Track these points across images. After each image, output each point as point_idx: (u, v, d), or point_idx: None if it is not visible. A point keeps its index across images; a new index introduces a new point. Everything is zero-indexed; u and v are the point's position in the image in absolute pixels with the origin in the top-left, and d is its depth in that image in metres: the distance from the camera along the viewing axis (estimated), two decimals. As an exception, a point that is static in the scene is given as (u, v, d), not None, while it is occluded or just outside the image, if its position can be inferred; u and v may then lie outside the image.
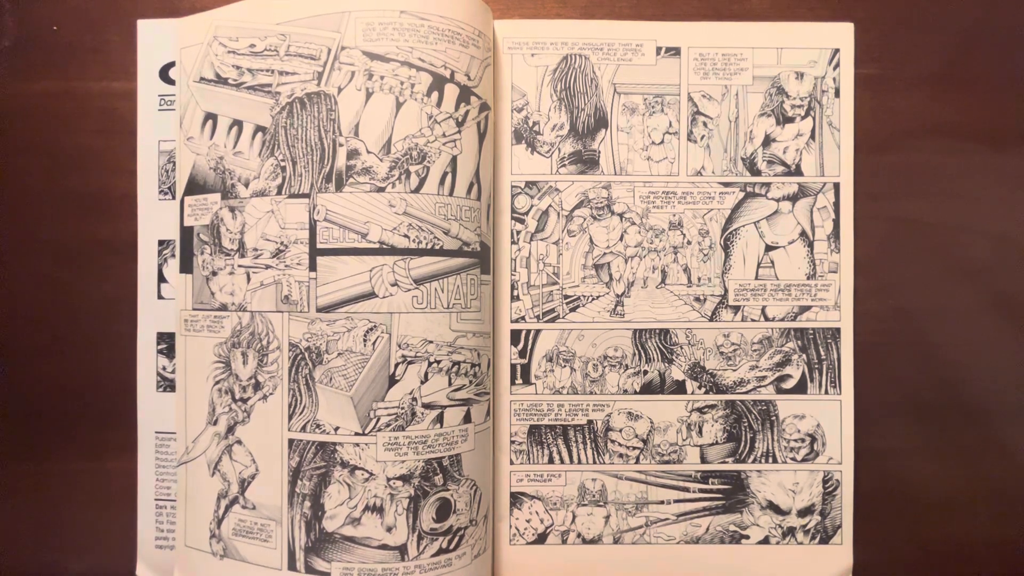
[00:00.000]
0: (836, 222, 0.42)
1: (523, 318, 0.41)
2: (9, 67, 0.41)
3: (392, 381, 0.36)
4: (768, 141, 0.42)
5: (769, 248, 0.42)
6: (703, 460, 0.42)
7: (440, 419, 0.37)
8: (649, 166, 0.42)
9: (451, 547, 0.37)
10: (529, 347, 0.41)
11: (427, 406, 0.37)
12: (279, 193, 0.37)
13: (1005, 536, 0.42)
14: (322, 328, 0.36)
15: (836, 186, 0.42)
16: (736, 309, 0.42)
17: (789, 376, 0.42)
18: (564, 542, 0.41)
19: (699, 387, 0.42)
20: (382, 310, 0.36)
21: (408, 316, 0.37)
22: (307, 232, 0.37)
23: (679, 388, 0.41)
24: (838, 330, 0.42)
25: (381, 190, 0.36)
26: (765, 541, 0.42)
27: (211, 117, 0.39)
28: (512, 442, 0.41)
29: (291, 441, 0.37)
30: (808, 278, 0.42)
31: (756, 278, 0.42)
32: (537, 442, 0.41)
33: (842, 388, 0.42)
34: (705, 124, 0.42)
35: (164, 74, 0.41)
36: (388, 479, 0.36)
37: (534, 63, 0.41)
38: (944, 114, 0.42)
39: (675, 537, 0.42)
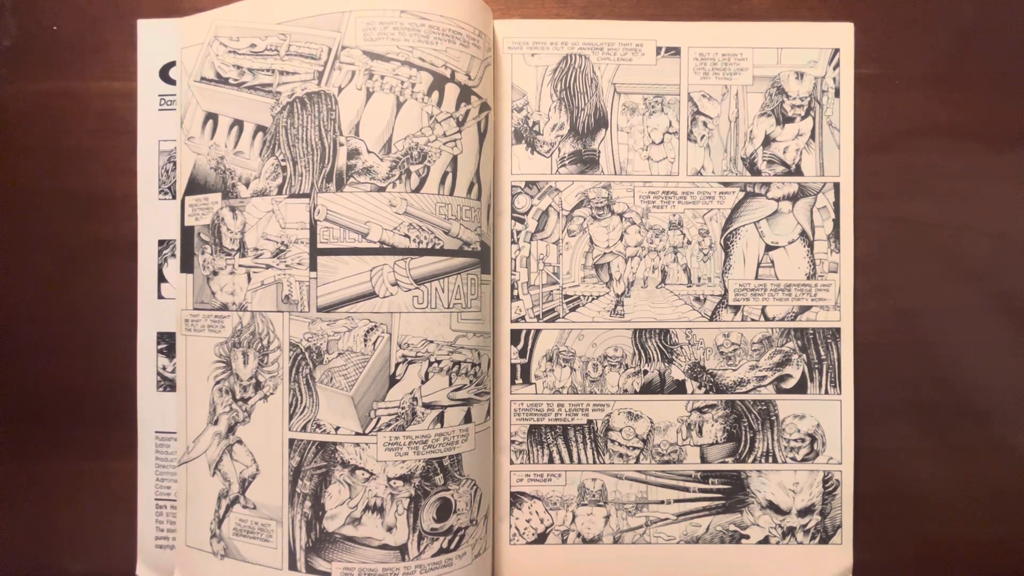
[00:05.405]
0: (836, 222, 0.42)
1: (523, 318, 0.41)
2: (9, 67, 0.41)
3: (392, 381, 0.36)
4: (768, 141, 0.42)
5: (769, 248, 0.42)
6: (703, 460, 0.42)
7: (440, 419, 0.37)
8: (649, 166, 0.42)
9: (451, 547, 0.37)
10: (529, 347, 0.41)
11: (427, 406, 0.37)
12: (280, 193, 0.37)
13: (1005, 536, 0.42)
14: (323, 328, 0.36)
15: (836, 186, 0.42)
16: (736, 309, 0.42)
17: (789, 376, 0.42)
18: (564, 542, 0.41)
19: (699, 387, 0.42)
20: (382, 310, 0.36)
21: (408, 316, 0.37)
22: (308, 232, 0.37)
23: (679, 388, 0.41)
24: (838, 330, 0.42)
25: (382, 190, 0.36)
26: (765, 541, 0.42)
27: (212, 117, 0.39)
28: (512, 442, 0.41)
29: (292, 441, 0.37)
30: (808, 278, 0.42)
31: (756, 278, 0.42)
32: (537, 442, 0.41)
33: (842, 388, 0.42)
34: (705, 124, 0.42)
35: (164, 74, 0.41)
36: (388, 479, 0.36)
37: (534, 63, 0.41)
38: (944, 114, 0.42)
39: (675, 537, 0.42)
